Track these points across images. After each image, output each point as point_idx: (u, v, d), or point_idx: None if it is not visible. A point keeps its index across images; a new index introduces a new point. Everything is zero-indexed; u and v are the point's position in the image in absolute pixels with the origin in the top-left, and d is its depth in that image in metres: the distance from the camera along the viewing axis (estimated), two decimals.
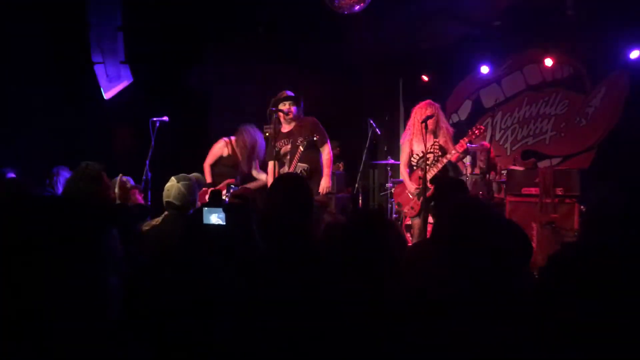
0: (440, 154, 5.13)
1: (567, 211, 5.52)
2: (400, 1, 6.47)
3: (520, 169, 6.20)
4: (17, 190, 2.64)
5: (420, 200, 5.10)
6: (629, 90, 7.03)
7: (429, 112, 5.07)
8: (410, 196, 5.29)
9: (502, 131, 8.09)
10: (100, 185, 3.23)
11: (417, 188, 5.19)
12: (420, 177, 5.10)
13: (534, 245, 5.49)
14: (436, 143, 5.13)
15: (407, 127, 5.35)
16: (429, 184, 5.07)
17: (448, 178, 5.01)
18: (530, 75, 7.89)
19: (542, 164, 7.36)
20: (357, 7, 5.19)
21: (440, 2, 6.67)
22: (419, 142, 5.14)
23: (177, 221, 3.48)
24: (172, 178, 3.63)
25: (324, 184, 5.09)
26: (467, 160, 6.38)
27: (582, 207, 5.46)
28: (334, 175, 7.16)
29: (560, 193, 5.57)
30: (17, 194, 2.57)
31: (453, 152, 5.06)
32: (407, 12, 6.89)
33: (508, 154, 8.00)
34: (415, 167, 5.25)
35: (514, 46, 7.85)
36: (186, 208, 3.55)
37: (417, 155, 5.19)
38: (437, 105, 5.26)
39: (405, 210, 5.37)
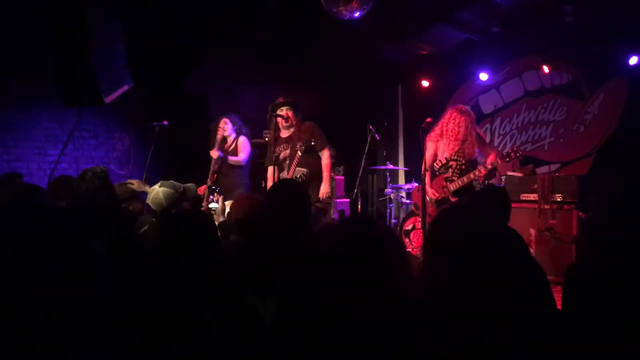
0: (463, 162, 5.00)
1: (565, 217, 5.53)
2: (399, 7, 6.49)
3: (519, 175, 6.21)
4: (21, 196, 2.64)
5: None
6: (627, 97, 7.05)
7: (450, 119, 4.97)
8: (430, 203, 5.14)
9: (501, 137, 8.11)
10: (108, 186, 3.24)
11: (434, 196, 5.09)
12: (443, 186, 4.98)
13: (532, 250, 5.50)
14: (460, 151, 4.99)
15: (436, 128, 5.13)
16: (451, 197, 5.02)
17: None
18: (528, 81, 7.91)
19: (541, 170, 7.38)
20: (357, 13, 5.21)
21: (440, 9, 6.69)
22: (445, 147, 5.05)
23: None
24: (160, 182, 3.61)
25: (323, 189, 5.08)
26: None
27: (580, 213, 5.47)
28: (333, 180, 7.18)
29: (558, 199, 5.58)
30: (21, 199, 2.58)
31: (481, 168, 4.93)
32: (406, 18, 6.91)
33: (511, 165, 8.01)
34: (437, 173, 5.13)
35: (512, 52, 7.87)
36: (161, 214, 3.52)
37: (440, 161, 5.06)
38: (466, 110, 5.11)
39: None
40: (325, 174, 5.13)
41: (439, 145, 5.05)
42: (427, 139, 5.18)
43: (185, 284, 2.07)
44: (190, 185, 3.90)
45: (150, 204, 3.52)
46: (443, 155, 5.03)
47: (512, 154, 5.01)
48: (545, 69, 7.40)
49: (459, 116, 5.01)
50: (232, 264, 2.68)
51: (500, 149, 8.07)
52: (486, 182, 6.11)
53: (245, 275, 2.44)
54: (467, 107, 5.16)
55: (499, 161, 5.03)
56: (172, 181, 3.63)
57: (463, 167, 5.00)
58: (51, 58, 6.22)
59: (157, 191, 3.54)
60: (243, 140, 5.78)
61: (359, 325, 1.80)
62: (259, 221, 2.90)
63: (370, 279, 1.98)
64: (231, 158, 5.64)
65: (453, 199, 4.96)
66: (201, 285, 2.09)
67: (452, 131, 4.95)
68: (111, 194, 3.26)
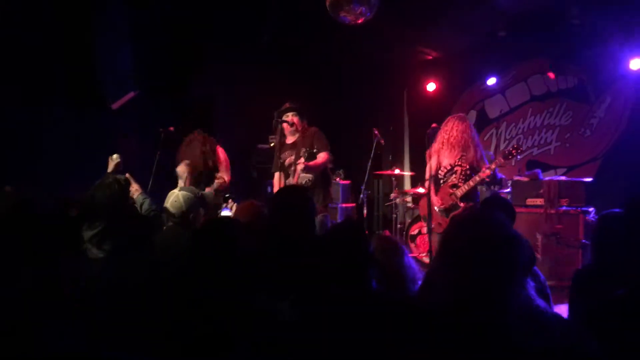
0: (467, 167, 5.03)
1: (572, 222, 5.51)
2: (405, 11, 6.49)
3: (525, 179, 6.19)
4: (18, 205, 2.66)
5: (449, 218, 5.02)
6: (633, 101, 7.02)
7: (451, 124, 5.07)
8: (438, 211, 5.17)
9: (507, 142, 8.08)
10: (126, 194, 3.29)
11: (442, 205, 5.11)
12: (450, 194, 5.05)
13: (538, 256, 5.48)
14: (464, 157, 5.03)
15: (437, 139, 5.21)
16: (459, 202, 5.04)
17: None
18: (534, 85, 7.89)
19: (547, 175, 7.35)
20: (362, 19, 5.21)
21: (446, 13, 6.68)
22: (446, 156, 5.11)
23: (178, 231, 3.50)
24: (179, 187, 3.66)
25: (299, 167, 4.86)
26: None
27: (586, 217, 5.45)
28: (338, 185, 7.19)
29: (565, 204, 5.56)
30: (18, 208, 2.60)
31: (485, 169, 4.94)
32: (411, 23, 6.92)
33: (513, 164, 7.99)
34: (442, 182, 5.14)
35: (518, 56, 7.85)
36: (180, 218, 3.54)
37: (445, 168, 5.10)
38: (465, 118, 5.22)
39: (433, 225, 5.15)
40: (311, 164, 4.89)
41: (441, 156, 5.11)
42: (428, 152, 5.26)
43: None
44: (208, 192, 3.96)
45: (169, 207, 3.54)
46: (447, 162, 5.06)
47: (513, 152, 5.03)
48: (552, 72, 7.39)
49: (461, 123, 5.08)
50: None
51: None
52: (492, 187, 6.10)
53: (258, 279, 2.46)
54: (460, 115, 5.25)
55: (502, 160, 5.04)
56: (192, 187, 3.68)
57: (468, 172, 5.03)
58: (58, 65, 6.26)
59: (177, 195, 3.56)
60: (224, 158, 5.49)
61: (359, 327, 1.81)
62: (263, 227, 2.91)
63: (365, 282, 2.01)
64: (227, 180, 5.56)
65: (462, 204, 4.99)
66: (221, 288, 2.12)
67: (455, 138, 5.02)
68: (128, 201, 3.30)
